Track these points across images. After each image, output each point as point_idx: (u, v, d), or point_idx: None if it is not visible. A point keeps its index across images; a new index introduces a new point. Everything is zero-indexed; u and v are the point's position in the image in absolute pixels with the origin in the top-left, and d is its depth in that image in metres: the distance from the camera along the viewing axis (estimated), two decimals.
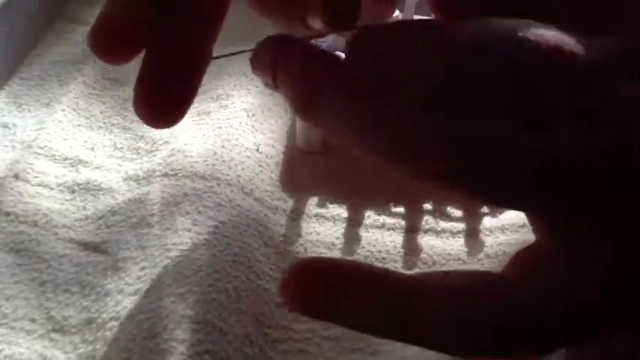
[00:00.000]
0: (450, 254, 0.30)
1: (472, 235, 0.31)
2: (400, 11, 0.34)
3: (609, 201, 0.15)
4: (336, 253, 0.30)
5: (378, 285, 0.17)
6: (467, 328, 0.16)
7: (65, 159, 0.34)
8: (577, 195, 0.15)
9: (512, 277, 0.17)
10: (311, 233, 0.31)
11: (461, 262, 0.30)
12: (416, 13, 0.34)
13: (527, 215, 0.18)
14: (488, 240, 0.31)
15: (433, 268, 0.29)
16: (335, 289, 0.17)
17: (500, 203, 0.17)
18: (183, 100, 0.18)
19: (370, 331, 0.18)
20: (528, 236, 0.18)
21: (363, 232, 0.31)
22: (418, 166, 0.16)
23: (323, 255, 0.30)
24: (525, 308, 0.16)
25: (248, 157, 0.34)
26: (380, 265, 0.30)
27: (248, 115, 0.36)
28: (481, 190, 0.16)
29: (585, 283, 0.16)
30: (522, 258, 0.17)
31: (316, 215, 0.32)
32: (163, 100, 0.17)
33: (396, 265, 0.30)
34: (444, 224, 0.32)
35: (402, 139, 0.16)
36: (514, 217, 0.32)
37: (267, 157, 0.35)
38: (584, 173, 0.15)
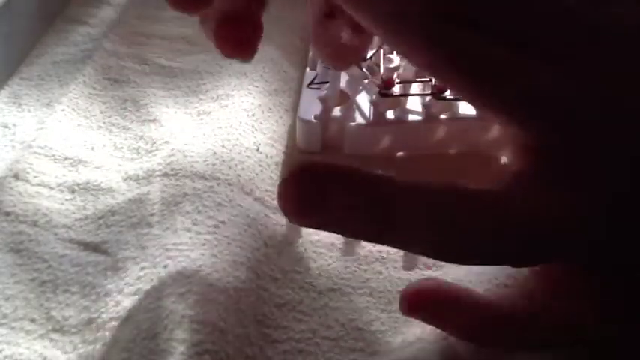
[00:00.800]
0: None
1: None
2: None
3: (596, 137, 0.16)
4: (336, 254, 0.30)
5: (362, 186, 0.18)
6: (444, 231, 0.17)
7: (65, 159, 0.34)
8: (567, 124, 0.16)
9: (495, 191, 0.17)
10: (311, 233, 0.31)
11: None
12: None
13: (518, 139, 0.18)
14: None
15: (433, 268, 0.29)
16: (321, 192, 0.18)
17: (512, 117, 0.17)
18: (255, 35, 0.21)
19: (355, 234, 0.18)
20: None
21: None
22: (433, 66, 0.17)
23: (323, 255, 0.30)
24: (507, 220, 0.17)
25: (248, 157, 0.34)
26: (380, 264, 0.30)
27: (248, 115, 0.36)
28: (493, 102, 0.17)
29: (563, 209, 0.17)
30: (506, 178, 0.18)
31: None
32: (242, 35, 0.20)
33: (396, 265, 0.30)
34: None
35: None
36: None
37: (267, 157, 0.35)
38: (581, 105, 0.16)
